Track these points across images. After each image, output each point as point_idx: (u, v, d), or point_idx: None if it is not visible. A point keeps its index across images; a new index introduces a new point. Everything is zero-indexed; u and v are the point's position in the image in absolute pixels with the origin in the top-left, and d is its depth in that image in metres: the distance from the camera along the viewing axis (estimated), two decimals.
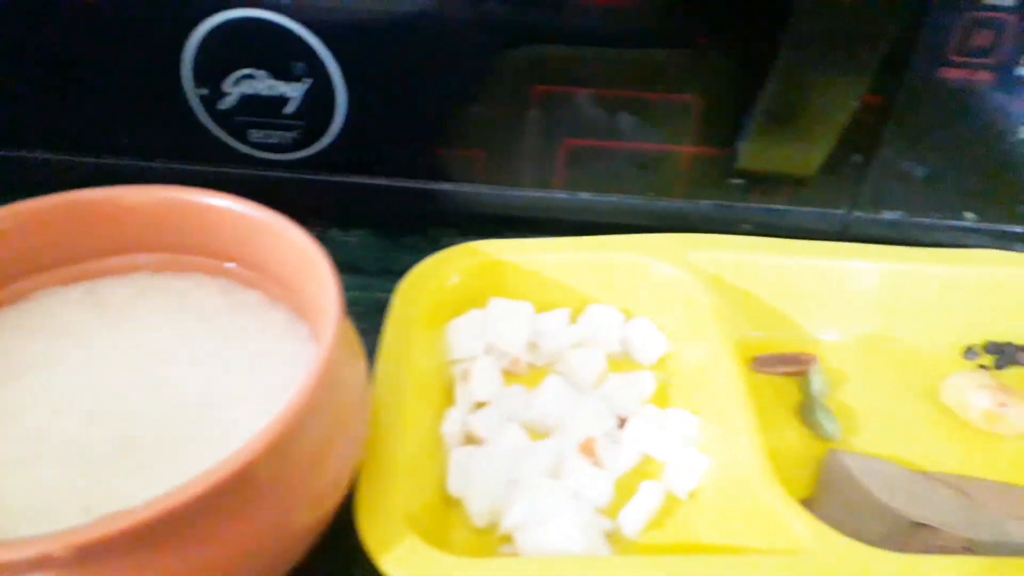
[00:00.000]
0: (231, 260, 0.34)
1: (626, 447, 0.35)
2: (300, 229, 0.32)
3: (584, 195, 0.44)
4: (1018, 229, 0.42)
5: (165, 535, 0.23)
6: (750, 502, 0.31)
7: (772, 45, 0.34)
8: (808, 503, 0.34)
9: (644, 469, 0.35)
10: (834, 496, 0.35)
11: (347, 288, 0.45)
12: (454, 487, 0.33)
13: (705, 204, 0.43)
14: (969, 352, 0.42)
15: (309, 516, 0.28)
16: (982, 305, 0.42)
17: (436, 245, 0.43)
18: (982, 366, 0.41)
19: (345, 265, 0.47)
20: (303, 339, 0.33)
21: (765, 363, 0.41)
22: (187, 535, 0.23)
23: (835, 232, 0.43)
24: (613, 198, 0.43)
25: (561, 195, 0.44)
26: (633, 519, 0.33)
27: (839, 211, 0.42)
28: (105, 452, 0.28)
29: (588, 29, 0.37)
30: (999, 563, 0.29)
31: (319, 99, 0.41)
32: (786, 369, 0.40)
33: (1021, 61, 0.36)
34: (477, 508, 0.32)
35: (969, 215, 0.42)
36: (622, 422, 0.36)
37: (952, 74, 0.37)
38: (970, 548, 0.33)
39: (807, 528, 0.30)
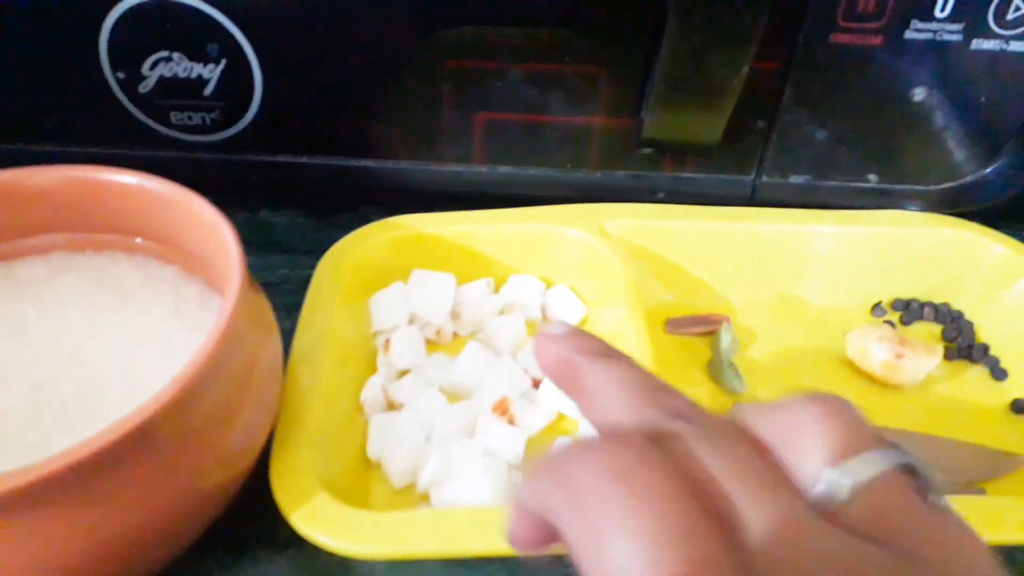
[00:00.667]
0: (144, 236, 0.35)
1: (541, 406, 0.37)
2: (205, 201, 0.32)
3: (504, 168, 0.45)
4: (920, 188, 0.44)
5: (71, 489, 0.24)
6: None
7: (663, 17, 0.35)
8: None
9: (560, 426, 0.37)
10: None
11: (277, 267, 0.47)
12: (373, 450, 0.34)
13: (619, 174, 0.44)
14: (877, 309, 0.44)
15: (219, 475, 0.29)
16: (888, 264, 0.44)
17: (366, 222, 0.44)
18: (888, 322, 0.43)
19: (276, 244, 0.48)
20: (215, 309, 0.34)
21: (678, 324, 0.42)
22: (94, 489, 0.24)
23: (745, 197, 0.44)
24: (532, 171, 0.44)
25: (482, 169, 0.45)
26: None
27: (747, 177, 0.44)
28: (18, 420, 0.29)
29: (496, 5, 0.38)
30: None
31: (236, 79, 0.41)
32: (698, 330, 0.42)
33: (910, 25, 0.38)
34: (395, 469, 0.33)
35: (872, 177, 0.44)
36: (537, 383, 0.38)
37: (844, 39, 0.38)
38: None
39: None
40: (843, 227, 0.43)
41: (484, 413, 0.35)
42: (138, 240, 0.35)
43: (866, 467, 0.18)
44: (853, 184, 0.44)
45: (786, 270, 0.43)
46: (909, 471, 0.18)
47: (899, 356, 0.37)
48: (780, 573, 0.16)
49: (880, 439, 0.19)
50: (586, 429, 0.36)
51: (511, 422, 0.35)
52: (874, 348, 0.38)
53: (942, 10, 0.37)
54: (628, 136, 0.42)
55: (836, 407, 0.20)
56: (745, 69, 0.36)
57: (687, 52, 0.36)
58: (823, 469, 0.18)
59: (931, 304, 0.44)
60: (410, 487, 0.34)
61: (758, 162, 0.43)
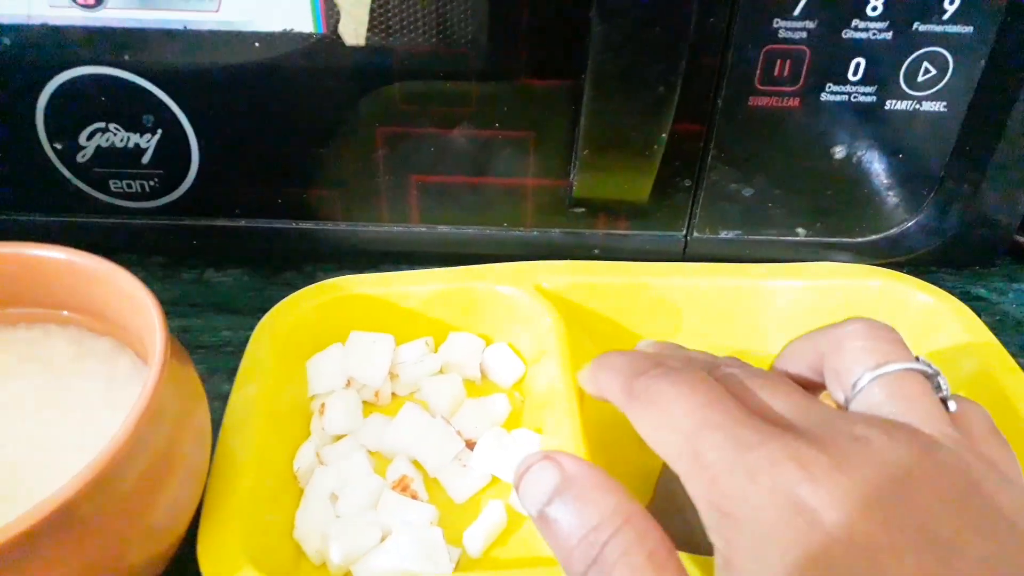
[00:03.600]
0: (76, 310, 0.35)
1: (474, 469, 0.37)
2: (130, 276, 0.33)
3: (443, 228, 0.45)
4: (847, 240, 0.45)
5: None
6: None
7: (580, 84, 0.37)
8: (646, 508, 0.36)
9: (494, 490, 0.37)
10: (668, 501, 0.37)
11: (219, 328, 0.47)
12: (298, 528, 0.35)
13: (555, 232, 0.45)
14: None
15: (143, 552, 0.29)
16: (821, 315, 0.44)
17: (311, 280, 0.44)
18: None
19: (219, 305, 0.49)
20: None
21: None
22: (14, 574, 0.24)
23: (678, 253, 0.45)
24: (470, 230, 0.45)
25: (421, 229, 0.45)
26: (476, 538, 0.34)
27: (679, 233, 0.45)
28: None
29: (422, 74, 0.39)
30: None
31: (173, 147, 0.42)
32: None
33: (825, 88, 0.39)
34: (309, 547, 0.33)
35: (800, 231, 0.45)
36: (471, 444, 0.38)
37: (762, 102, 0.39)
38: None
39: None
40: (775, 280, 0.44)
41: (386, 490, 0.35)
42: (65, 313, 0.35)
43: (897, 371, 0.23)
44: (782, 238, 0.45)
45: (720, 324, 0.44)
46: (931, 380, 0.23)
47: None
48: (822, 451, 0.20)
49: (908, 353, 0.24)
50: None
51: (413, 497, 0.35)
52: None
53: (855, 74, 0.39)
54: (560, 196, 0.43)
55: (877, 326, 0.25)
56: (664, 135, 0.38)
57: (606, 119, 0.37)
58: (863, 374, 0.23)
59: None
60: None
61: (688, 219, 0.44)
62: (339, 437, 0.39)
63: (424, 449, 0.37)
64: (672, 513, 0.36)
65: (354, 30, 0.38)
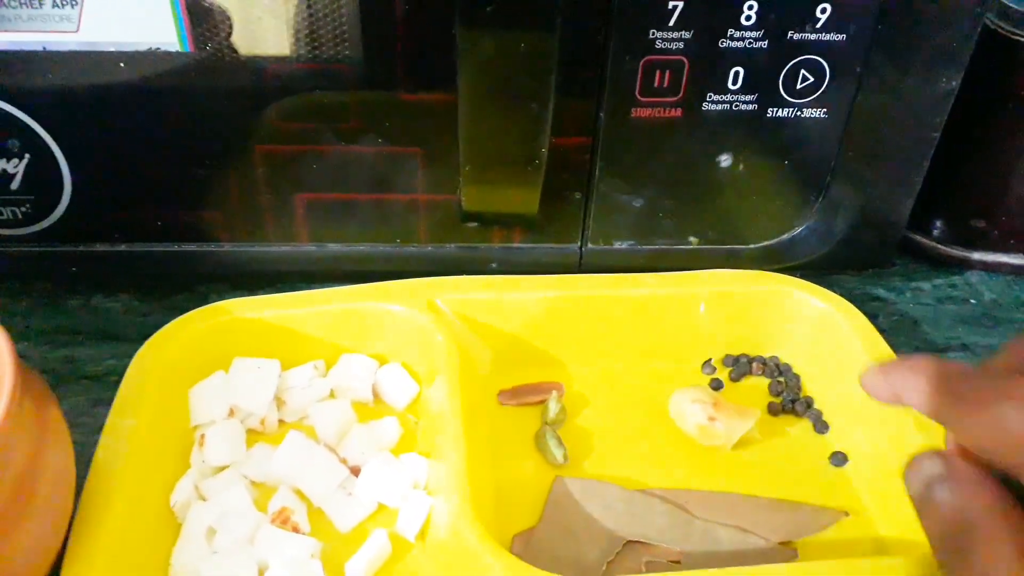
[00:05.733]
0: None
1: (359, 497, 0.36)
2: None
3: (333, 246, 0.44)
4: (739, 247, 0.45)
5: None
6: (456, 541, 0.32)
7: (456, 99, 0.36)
8: (533, 531, 0.36)
9: (379, 518, 0.36)
10: (557, 522, 0.36)
11: (104, 357, 0.46)
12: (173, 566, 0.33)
13: (450, 247, 0.44)
14: (706, 366, 0.45)
15: None
16: (716, 321, 0.45)
17: (204, 302, 0.42)
18: (715, 380, 0.44)
19: (105, 332, 0.47)
20: None
21: (510, 396, 0.42)
22: None
23: (574, 264, 0.45)
24: (361, 247, 0.44)
25: (310, 248, 0.44)
26: (358, 569, 0.33)
27: (573, 245, 0.44)
28: None
29: (297, 91, 0.38)
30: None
31: (43, 173, 0.40)
32: (530, 399, 0.42)
33: (706, 98, 0.39)
34: None
35: (692, 239, 0.45)
36: (355, 471, 0.37)
37: (644, 113, 0.39)
38: (678, 560, 0.35)
39: (503, 566, 0.31)
40: (668, 288, 0.44)
41: (265, 523, 0.34)
42: None
43: None
44: (675, 247, 0.45)
45: (618, 335, 0.44)
46: None
47: (711, 419, 0.38)
48: None
49: None
50: (403, 516, 0.35)
51: (295, 530, 0.34)
52: (688, 410, 0.39)
53: (735, 83, 0.39)
54: (452, 211, 0.43)
55: None
56: (544, 150, 0.37)
57: (483, 135, 0.36)
58: None
59: (760, 358, 0.45)
60: None
61: (582, 230, 0.44)
62: (221, 468, 0.37)
63: (308, 478, 0.36)
64: (560, 534, 0.36)
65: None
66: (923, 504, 0.25)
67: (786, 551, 0.36)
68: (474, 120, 0.36)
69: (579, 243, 0.44)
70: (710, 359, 0.45)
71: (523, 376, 0.44)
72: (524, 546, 0.35)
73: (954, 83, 0.40)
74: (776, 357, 0.45)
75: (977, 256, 0.52)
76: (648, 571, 0.34)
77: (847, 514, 0.37)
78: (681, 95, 0.39)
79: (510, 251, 0.44)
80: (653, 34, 0.37)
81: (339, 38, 0.36)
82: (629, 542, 0.35)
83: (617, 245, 0.44)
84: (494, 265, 0.45)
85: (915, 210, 0.45)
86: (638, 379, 0.44)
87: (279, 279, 0.46)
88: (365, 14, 0.36)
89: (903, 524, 0.36)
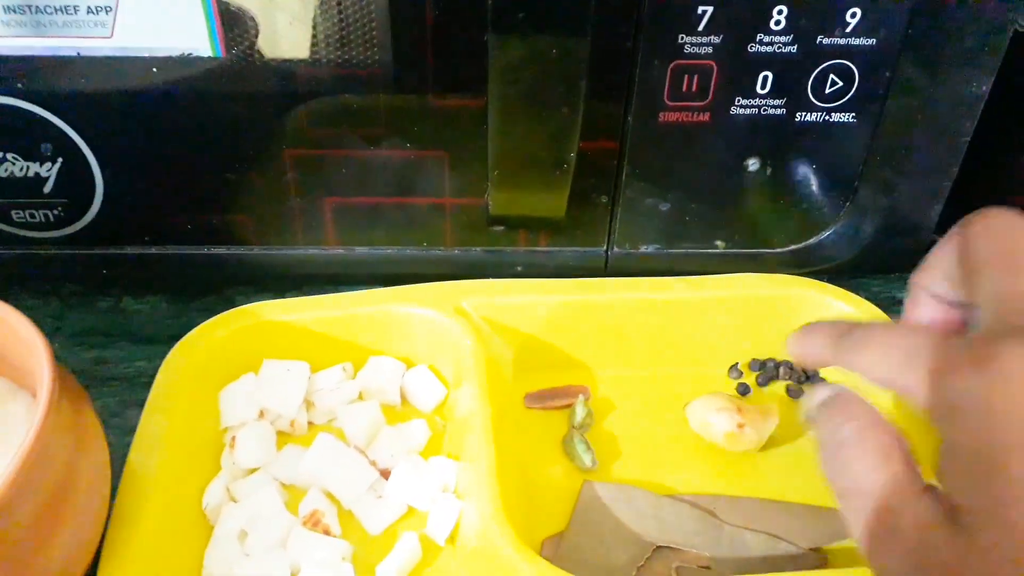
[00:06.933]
0: None
1: (389, 499, 0.36)
2: (20, 316, 0.32)
3: (361, 249, 0.45)
4: (766, 251, 0.45)
5: None
6: (486, 545, 0.32)
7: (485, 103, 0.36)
8: (562, 535, 0.36)
9: (409, 520, 0.36)
10: (586, 527, 0.36)
11: (134, 358, 0.46)
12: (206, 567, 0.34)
13: (476, 251, 0.45)
14: (733, 370, 0.45)
15: None
16: (742, 326, 0.45)
17: (231, 305, 0.43)
18: (742, 384, 0.44)
19: (134, 334, 0.48)
20: None
21: (536, 399, 0.42)
22: None
23: (600, 268, 0.45)
24: (388, 250, 0.45)
25: (338, 251, 0.45)
26: (389, 571, 0.33)
27: (600, 248, 0.44)
28: None
29: (327, 95, 0.39)
30: None
31: (75, 176, 0.41)
32: (556, 403, 0.42)
33: (735, 102, 0.39)
34: None
35: (719, 243, 0.45)
36: (386, 474, 0.37)
37: (672, 118, 0.39)
38: (708, 566, 0.35)
39: (533, 570, 0.31)
40: (695, 292, 0.44)
41: (297, 526, 0.34)
42: None
43: None
44: (702, 250, 0.45)
45: (644, 338, 0.44)
46: None
47: (740, 426, 0.38)
48: None
49: None
50: (432, 520, 0.36)
51: (326, 532, 0.34)
52: (714, 419, 0.39)
53: (763, 88, 0.39)
54: (479, 214, 0.43)
55: None
56: (572, 154, 0.37)
57: (513, 140, 0.36)
58: None
59: (787, 363, 0.45)
60: None
61: (608, 234, 0.44)
62: (252, 470, 0.38)
63: (337, 481, 0.36)
64: (590, 539, 0.36)
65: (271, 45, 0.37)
66: (811, 424, 0.27)
67: (816, 557, 0.36)
68: (504, 125, 0.36)
69: (605, 247, 0.44)
70: (736, 363, 0.45)
71: (549, 380, 0.44)
72: (554, 550, 0.35)
73: (984, 87, 0.39)
74: None
75: None
76: None
77: None
78: (709, 100, 0.39)
79: (536, 255, 0.45)
80: (682, 39, 0.37)
81: (369, 43, 0.37)
82: (658, 547, 0.35)
83: (643, 249, 0.44)
84: (520, 268, 0.45)
85: (943, 214, 0.44)
86: (664, 383, 0.44)
87: (306, 282, 0.47)
88: (395, 19, 0.36)
89: None
